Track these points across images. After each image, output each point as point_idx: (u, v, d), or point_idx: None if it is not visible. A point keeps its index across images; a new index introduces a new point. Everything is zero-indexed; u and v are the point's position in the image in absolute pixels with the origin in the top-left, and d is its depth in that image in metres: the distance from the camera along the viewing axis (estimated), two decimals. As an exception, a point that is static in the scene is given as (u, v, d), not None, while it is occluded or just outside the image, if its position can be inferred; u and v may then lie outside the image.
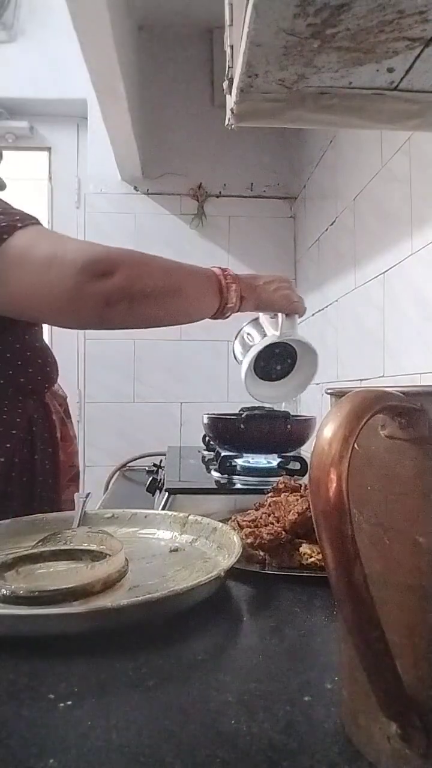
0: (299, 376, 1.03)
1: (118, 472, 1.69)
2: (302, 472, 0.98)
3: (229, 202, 2.09)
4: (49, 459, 0.91)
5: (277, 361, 1.02)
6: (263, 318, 1.00)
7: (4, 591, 0.48)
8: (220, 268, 0.88)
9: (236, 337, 1.05)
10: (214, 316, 0.88)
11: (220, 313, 0.87)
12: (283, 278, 0.95)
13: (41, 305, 0.75)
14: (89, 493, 0.79)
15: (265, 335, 0.98)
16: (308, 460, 0.92)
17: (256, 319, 1.02)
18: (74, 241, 0.81)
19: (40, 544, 0.62)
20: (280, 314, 0.95)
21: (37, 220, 0.79)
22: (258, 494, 0.77)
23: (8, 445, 0.84)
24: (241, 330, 1.04)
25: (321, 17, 0.46)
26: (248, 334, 1.02)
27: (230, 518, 0.66)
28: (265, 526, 0.60)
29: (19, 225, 0.74)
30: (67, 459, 0.97)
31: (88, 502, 0.75)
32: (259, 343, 0.97)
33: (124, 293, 0.73)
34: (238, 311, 0.89)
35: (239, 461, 1.06)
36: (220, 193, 2.08)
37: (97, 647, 0.42)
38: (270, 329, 0.98)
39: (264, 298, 0.90)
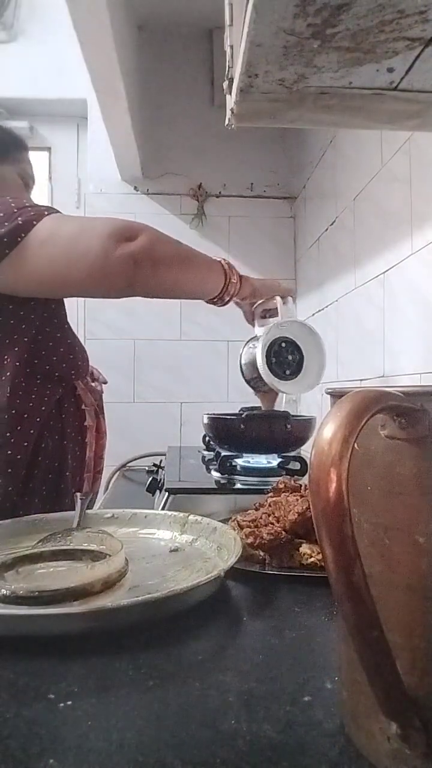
0: (312, 365, 1.06)
1: (118, 472, 1.69)
2: (302, 472, 0.98)
3: (229, 202, 2.09)
4: (79, 446, 0.98)
5: (287, 354, 1.04)
6: (259, 330, 1.04)
7: (4, 591, 0.48)
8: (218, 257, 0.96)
9: (241, 357, 1.07)
10: (218, 297, 0.94)
11: (225, 292, 0.94)
12: None
13: (73, 274, 0.81)
14: (90, 493, 0.79)
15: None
16: (308, 460, 0.92)
17: (254, 337, 1.04)
18: (98, 217, 0.92)
19: (40, 544, 0.62)
20: (277, 298, 1.01)
21: (60, 212, 0.87)
22: (258, 494, 0.77)
23: (32, 431, 0.90)
24: (242, 350, 1.07)
25: (321, 17, 0.46)
26: (252, 345, 1.04)
27: (230, 518, 0.66)
28: (265, 526, 0.60)
29: (46, 213, 0.83)
30: (98, 450, 1.05)
31: (88, 502, 0.75)
32: (264, 334, 1.00)
33: (147, 254, 0.81)
34: (237, 294, 0.96)
35: (239, 461, 1.06)
36: (220, 193, 2.08)
37: (97, 647, 0.42)
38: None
39: (257, 285, 0.99)
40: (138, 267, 0.80)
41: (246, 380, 1.08)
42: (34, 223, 0.80)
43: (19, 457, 0.88)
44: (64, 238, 0.81)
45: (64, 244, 0.81)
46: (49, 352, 0.92)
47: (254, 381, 1.06)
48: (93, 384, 1.07)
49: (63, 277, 0.82)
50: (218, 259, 0.95)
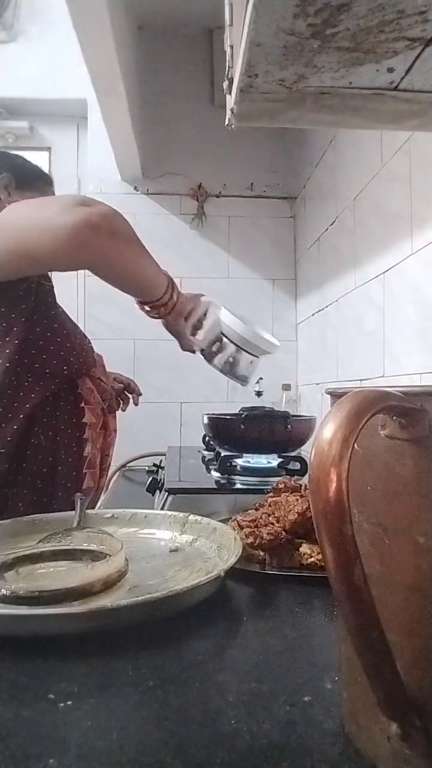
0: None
1: (118, 472, 1.69)
2: (302, 472, 0.98)
3: (229, 202, 2.09)
4: (76, 442, 0.99)
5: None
6: (201, 343, 1.06)
7: (4, 591, 0.48)
8: None
9: (216, 363, 1.08)
10: (161, 300, 0.96)
11: (171, 288, 0.96)
12: None
13: (33, 244, 0.83)
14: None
15: (219, 340, 1.05)
16: (308, 460, 0.92)
17: (209, 351, 1.07)
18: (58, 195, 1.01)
19: (40, 544, 0.62)
20: (203, 298, 1.05)
21: None
22: (258, 494, 0.77)
23: (15, 427, 0.92)
24: (213, 363, 1.08)
25: (321, 17, 0.46)
26: (219, 348, 1.06)
27: (230, 518, 0.66)
28: (265, 526, 0.60)
29: (17, 201, 0.90)
30: (105, 447, 1.08)
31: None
32: (228, 322, 1.03)
33: (106, 221, 0.83)
34: (179, 305, 0.98)
35: (239, 461, 1.06)
36: (220, 193, 2.08)
37: (97, 647, 0.42)
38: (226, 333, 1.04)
39: (182, 296, 1.01)
40: (95, 231, 0.82)
41: (228, 369, 1.08)
42: (6, 205, 0.85)
43: (2, 451, 0.92)
44: (25, 213, 0.85)
45: (24, 218, 0.84)
46: (39, 351, 0.95)
47: (238, 363, 1.07)
48: (104, 385, 1.10)
49: (24, 249, 0.84)
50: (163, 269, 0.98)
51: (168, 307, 0.97)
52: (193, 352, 1.08)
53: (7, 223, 0.83)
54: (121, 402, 1.33)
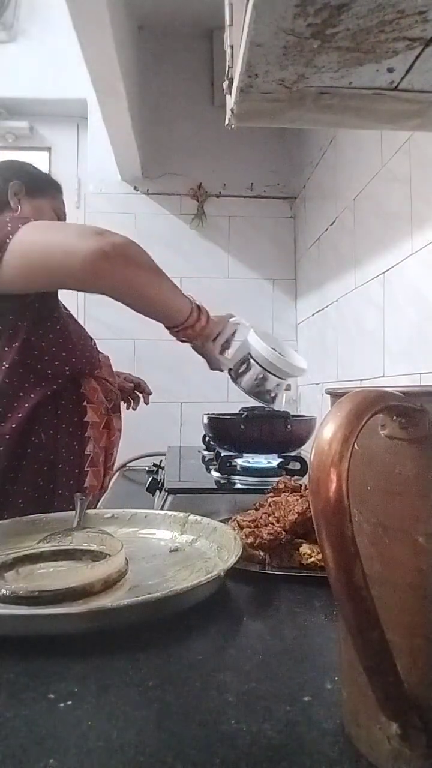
0: (287, 350, 1.13)
1: (118, 472, 1.69)
2: (302, 472, 0.99)
3: (229, 202, 2.09)
4: (78, 440, 1.00)
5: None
6: (230, 361, 1.07)
7: (4, 591, 0.48)
8: None
9: (240, 382, 1.08)
10: (187, 321, 0.98)
11: (197, 310, 0.98)
12: None
13: (49, 266, 0.86)
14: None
15: (246, 361, 1.07)
16: (308, 460, 0.92)
17: (237, 369, 1.08)
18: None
19: (40, 544, 0.62)
20: (232, 318, 1.07)
21: None
22: (258, 494, 0.77)
23: (14, 426, 0.93)
24: (237, 380, 1.08)
25: (321, 17, 0.46)
26: (245, 367, 1.07)
27: (230, 518, 0.66)
28: (265, 526, 0.60)
29: (32, 220, 0.91)
30: (109, 446, 1.09)
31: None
32: (254, 345, 1.04)
33: (120, 249, 0.86)
34: (206, 329, 1.00)
35: (239, 461, 1.06)
36: (220, 193, 2.08)
37: (97, 647, 0.42)
38: (256, 355, 1.06)
39: (214, 319, 1.03)
40: (108, 260, 0.84)
41: (254, 390, 1.09)
42: (20, 226, 0.87)
43: (1, 449, 0.93)
44: (47, 234, 0.88)
45: (46, 238, 0.88)
46: (41, 353, 0.96)
47: (264, 384, 1.08)
48: (110, 385, 1.11)
49: (47, 267, 0.87)
50: (187, 294, 1.00)
51: (195, 330, 0.99)
52: (222, 370, 1.09)
53: (29, 242, 0.86)
54: (132, 401, 1.35)
